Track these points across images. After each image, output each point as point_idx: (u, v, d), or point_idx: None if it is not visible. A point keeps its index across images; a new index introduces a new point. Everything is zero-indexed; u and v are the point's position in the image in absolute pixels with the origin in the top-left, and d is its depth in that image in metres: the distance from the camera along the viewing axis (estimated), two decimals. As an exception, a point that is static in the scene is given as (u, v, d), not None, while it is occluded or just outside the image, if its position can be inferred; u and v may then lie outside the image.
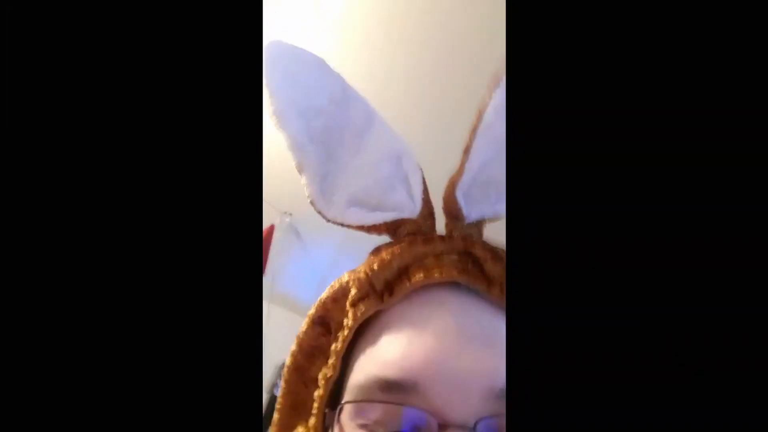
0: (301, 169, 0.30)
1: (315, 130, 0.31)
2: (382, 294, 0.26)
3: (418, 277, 0.25)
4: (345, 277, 0.28)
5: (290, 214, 1.70)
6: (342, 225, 0.31)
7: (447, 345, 0.22)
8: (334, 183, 0.32)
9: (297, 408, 0.27)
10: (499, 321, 0.24)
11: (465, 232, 0.28)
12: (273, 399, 1.78)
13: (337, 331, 0.27)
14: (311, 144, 0.31)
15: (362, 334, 0.26)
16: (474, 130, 0.29)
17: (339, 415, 0.23)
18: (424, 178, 0.31)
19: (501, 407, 0.20)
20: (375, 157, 0.32)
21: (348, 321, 0.26)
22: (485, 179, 0.29)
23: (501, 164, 0.29)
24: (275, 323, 1.46)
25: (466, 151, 0.29)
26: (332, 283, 0.29)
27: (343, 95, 0.32)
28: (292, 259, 1.93)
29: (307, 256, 1.92)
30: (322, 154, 0.32)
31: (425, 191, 0.30)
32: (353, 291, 0.27)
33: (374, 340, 0.24)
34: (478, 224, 0.29)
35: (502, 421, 0.20)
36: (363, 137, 0.33)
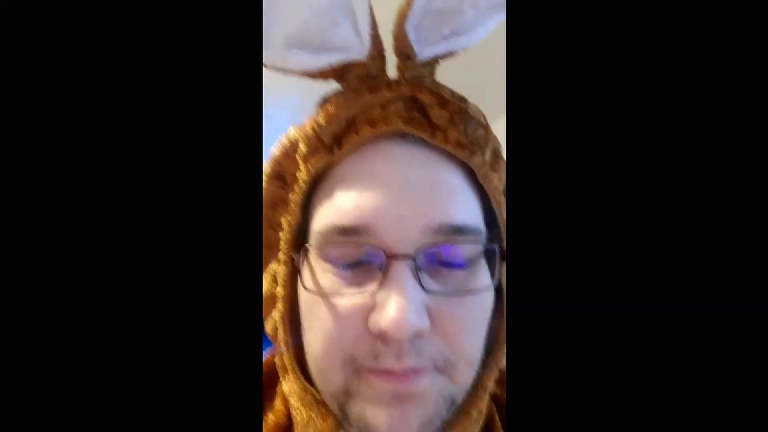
0: None
1: None
2: (331, 147, 0.26)
3: (365, 129, 0.25)
4: (292, 132, 0.27)
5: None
6: (283, 71, 0.27)
7: (392, 193, 0.24)
8: (267, 18, 0.27)
9: (270, 248, 0.29)
10: (439, 166, 0.26)
11: (416, 74, 0.26)
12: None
13: (293, 184, 0.28)
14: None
15: (318, 186, 0.27)
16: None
17: (306, 255, 0.26)
18: (371, 10, 0.27)
19: (437, 239, 0.24)
20: (312, -18, 0.27)
21: (301, 174, 0.27)
22: (438, 8, 0.26)
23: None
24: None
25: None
26: (281, 139, 0.28)
27: None
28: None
29: (266, 116, 1.83)
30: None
31: (373, 26, 0.27)
32: (302, 146, 0.26)
33: (329, 192, 0.26)
34: (431, 63, 0.27)
35: (438, 249, 0.24)
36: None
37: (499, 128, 0.28)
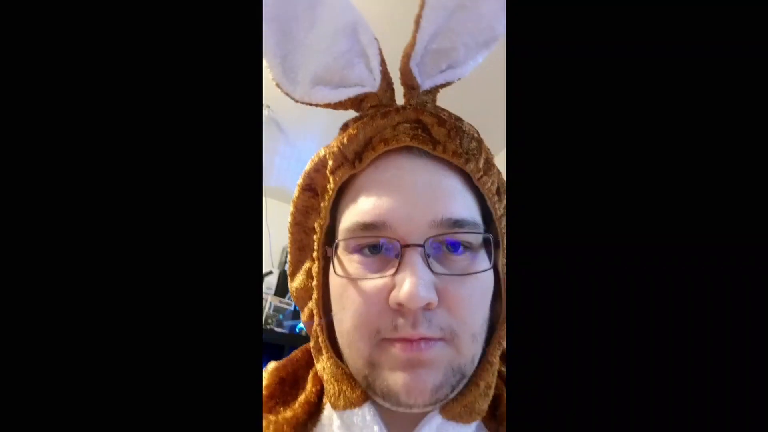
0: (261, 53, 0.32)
1: (267, 6, 0.32)
2: (353, 162, 0.31)
3: (380, 146, 0.31)
4: (322, 152, 0.33)
5: (268, 107, 1.66)
6: (310, 104, 0.33)
7: (403, 195, 0.29)
8: (294, 63, 0.33)
9: (302, 249, 0.35)
10: (441, 173, 0.31)
11: (419, 101, 0.32)
12: (283, 274, 1.94)
13: (323, 193, 0.33)
14: (265, 23, 0.32)
15: (343, 194, 0.32)
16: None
17: (336, 249, 0.31)
18: (380, 50, 0.33)
19: (441, 231, 0.29)
20: (330, 31, 0.33)
21: (330, 185, 0.32)
22: (436, 48, 0.31)
23: (450, 32, 0.31)
24: (273, 214, 1.52)
25: (417, 21, 0.31)
26: (312, 158, 0.34)
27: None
28: (279, 152, 1.96)
29: (291, 148, 1.94)
30: (278, 33, 0.33)
31: (383, 63, 0.33)
32: (330, 162, 0.32)
33: (353, 198, 0.31)
34: (432, 92, 0.33)
35: (442, 238, 0.29)
36: (315, 9, 0.33)
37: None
